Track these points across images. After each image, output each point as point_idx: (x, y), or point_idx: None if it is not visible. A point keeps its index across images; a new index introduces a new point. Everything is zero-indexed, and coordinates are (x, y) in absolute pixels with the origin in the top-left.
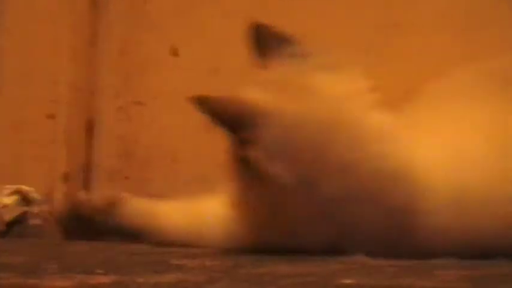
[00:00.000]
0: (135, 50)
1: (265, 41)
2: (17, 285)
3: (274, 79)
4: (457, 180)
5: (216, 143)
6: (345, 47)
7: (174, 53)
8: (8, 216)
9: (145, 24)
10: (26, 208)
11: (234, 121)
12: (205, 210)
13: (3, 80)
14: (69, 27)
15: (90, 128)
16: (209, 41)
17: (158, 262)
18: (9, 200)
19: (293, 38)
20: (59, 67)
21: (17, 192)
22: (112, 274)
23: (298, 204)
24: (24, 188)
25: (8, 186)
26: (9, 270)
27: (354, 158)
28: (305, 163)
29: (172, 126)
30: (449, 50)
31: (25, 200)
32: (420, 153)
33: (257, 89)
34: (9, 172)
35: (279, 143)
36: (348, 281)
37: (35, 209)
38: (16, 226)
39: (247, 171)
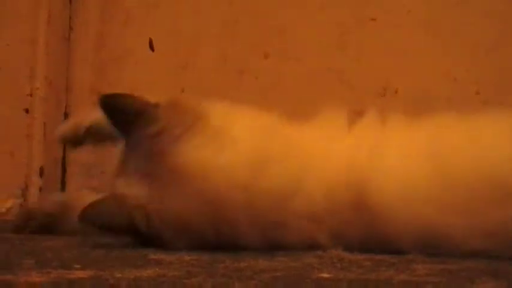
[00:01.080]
0: (111, 44)
1: (120, 116)
2: None
3: (144, 171)
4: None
5: None
6: (321, 42)
7: (151, 47)
8: None
9: (121, 18)
10: None
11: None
12: None
13: None
14: (45, 22)
15: None
16: (184, 36)
17: (136, 257)
18: None
19: (146, 108)
20: (34, 61)
21: None
22: (89, 269)
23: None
24: None
25: None
26: None
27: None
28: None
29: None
30: (423, 44)
31: None
32: None
33: (132, 187)
34: None
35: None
36: (326, 275)
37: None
38: None
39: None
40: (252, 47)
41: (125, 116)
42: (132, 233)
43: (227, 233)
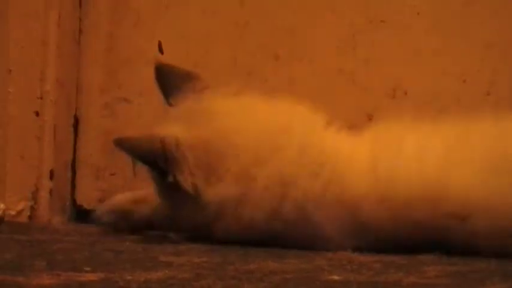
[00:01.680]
0: (121, 46)
1: (169, 80)
2: (4, 282)
3: (181, 113)
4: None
5: None
6: (331, 43)
7: (160, 49)
8: None
9: (131, 20)
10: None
11: (151, 158)
12: None
13: None
14: (55, 24)
15: (76, 125)
16: (193, 38)
17: (146, 259)
18: None
19: (193, 74)
20: (45, 64)
21: None
22: (100, 271)
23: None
24: None
25: None
26: None
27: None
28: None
29: (157, 123)
30: (433, 45)
31: None
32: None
33: (168, 125)
34: None
35: (195, 164)
36: (335, 277)
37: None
38: None
39: (175, 194)
40: (262, 49)
41: (174, 79)
42: (159, 163)
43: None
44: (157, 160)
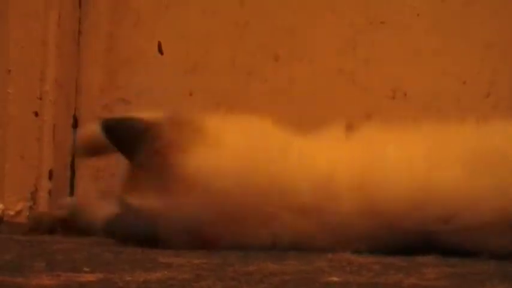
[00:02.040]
0: (120, 47)
1: (123, 137)
2: (4, 283)
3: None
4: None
5: None
6: (332, 43)
7: (160, 50)
8: None
9: (131, 20)
10: None
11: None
12: None
13: None
14: (55, 24)
15: (75, 125)
16: (193, 38)
17: (146, 260)
18: None
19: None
20: (45, 64)
21: None
22: (99, 272)
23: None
24: None
25: None
26: None
27: None
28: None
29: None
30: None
31: None
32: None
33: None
34: None
35: None
36: (335, 279)
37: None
38: None
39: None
40: (262, 49)
41: (130, 139)
42: (150, 241)
43: (238, 233)
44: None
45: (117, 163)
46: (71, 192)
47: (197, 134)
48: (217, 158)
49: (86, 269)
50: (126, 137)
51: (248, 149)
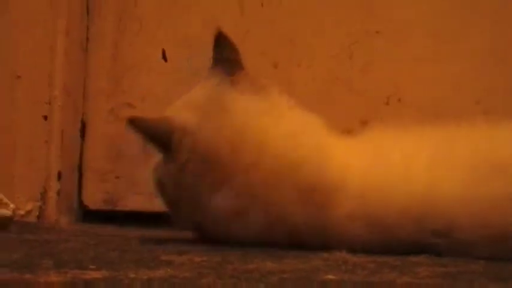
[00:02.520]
0: (125, 54)
1: (221, 49)
2: (13, 280)
3: (198, 100)
4: (366, 179)
5: None
6: (329, 53)
7: (164, 57)
8: None
9: (135, 28)
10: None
11: (163, 140)
12: None
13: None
14: (63, 32)
15: (82, 130)
16: (194, 46)
17: (149, 258)
18: None
19: (238, 59)
20: (53, 71)
21: None
22: (104, 270)
23: (224, 198)
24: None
25: None
26: (5, 266)
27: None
28: (220, 166)
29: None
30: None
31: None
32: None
33: (183, 110)
34: (4, 171)
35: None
36: (331, 277)
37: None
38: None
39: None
40: (261, 57)
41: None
42: (167, 152)
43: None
44: (165, 142)
45: (122, 166)
46: (79, 193)
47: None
48: (258, 103)
49: (91, 266)
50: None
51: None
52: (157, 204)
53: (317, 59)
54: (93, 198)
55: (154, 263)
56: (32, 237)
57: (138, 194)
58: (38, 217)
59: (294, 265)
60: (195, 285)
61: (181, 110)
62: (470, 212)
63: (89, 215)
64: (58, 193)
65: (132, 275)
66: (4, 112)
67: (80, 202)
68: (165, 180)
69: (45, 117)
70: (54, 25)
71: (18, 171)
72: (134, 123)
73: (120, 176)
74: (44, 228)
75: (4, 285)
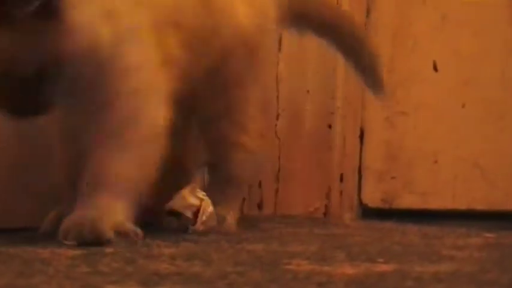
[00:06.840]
0: (400, 67)
1: None
2: (314, 271)
3: None
4: None
5: (473, 146)
6: None
7: (435, 68)
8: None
9: (409, 43)
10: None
11: None
12: None
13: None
14: None
15: (361, 136)
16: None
17: (430, 252)
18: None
19: None
20: (335, 85)
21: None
22: (392, 263)
23: None
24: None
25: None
26: (306, 258)
27: None
28: None
29: (432, 132)
30: None
31: None
32: None
33: None
34: (294, 173)
35: None
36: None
37: None
38: None
39: None
40: None
41: None
42: None
43: None
44: None
45: (397, 167)
46: (359, 193)
47: None
48: None
49: (379, 259)
50: None
51: None
52: (431, 202)
53: None
54: (372, 197)
55: (436, 256)
56: (322, 231)
57: (412, 193)
58: (324, 214)
59: None
60: (479, 281)
61: None
62: None
63: (367, 213)
64: (341, 193)
65: (419, 268)
66: (293, 123)
67: (360, 201)
68: None
69: (329, 126)
70: None
71: (306, 174)
72: None
73: (395, 177)
74: (330, 223)
75: (306, 277)
